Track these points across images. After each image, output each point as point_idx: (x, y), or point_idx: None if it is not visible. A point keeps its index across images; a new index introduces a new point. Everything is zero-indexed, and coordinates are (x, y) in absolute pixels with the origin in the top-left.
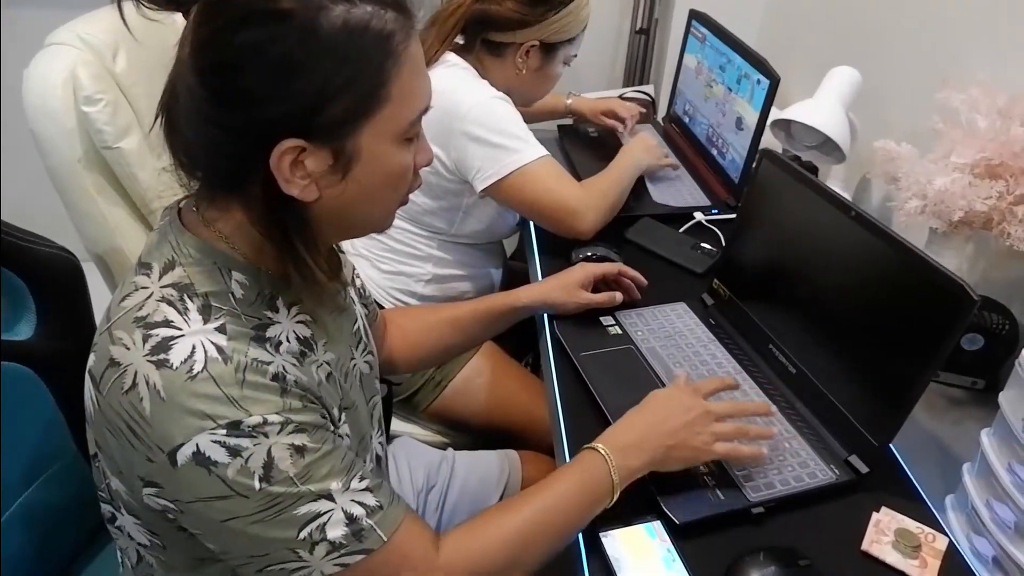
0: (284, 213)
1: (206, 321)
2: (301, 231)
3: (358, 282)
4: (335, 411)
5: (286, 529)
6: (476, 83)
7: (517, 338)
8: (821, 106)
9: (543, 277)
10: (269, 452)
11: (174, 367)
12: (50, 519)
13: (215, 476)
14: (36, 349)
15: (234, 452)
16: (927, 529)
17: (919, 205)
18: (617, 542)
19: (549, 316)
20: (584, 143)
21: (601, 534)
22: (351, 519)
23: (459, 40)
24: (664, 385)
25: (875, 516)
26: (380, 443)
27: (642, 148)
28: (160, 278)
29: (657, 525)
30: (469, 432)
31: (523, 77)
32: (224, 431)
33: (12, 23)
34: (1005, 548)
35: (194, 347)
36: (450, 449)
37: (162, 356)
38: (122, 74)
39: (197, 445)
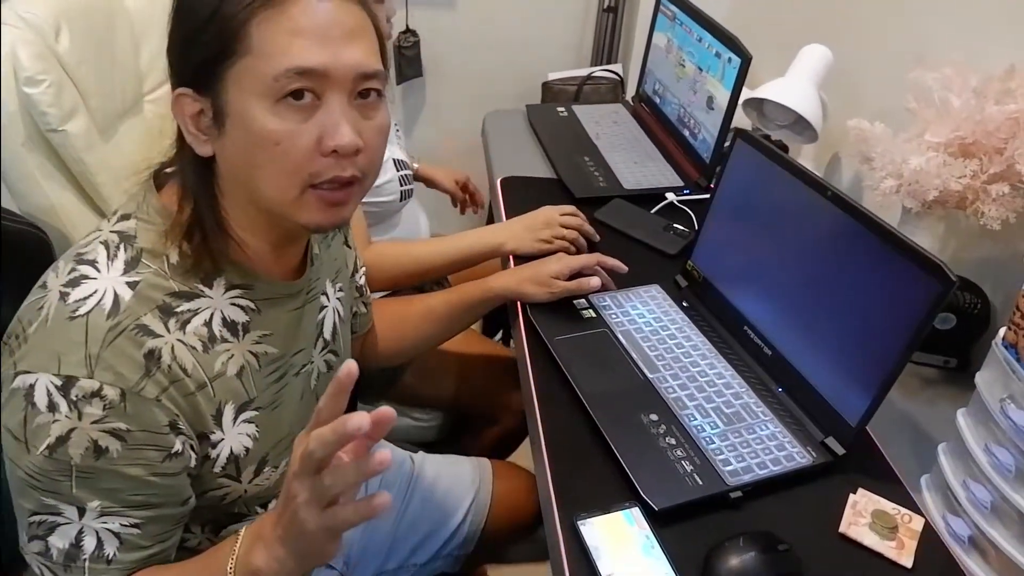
0: (195, 168)
1: (125, 273)
2: (203, 188)
3: (360, 280)
4: (228, 409)
5: (30, 502)
6: None
7: (488, 313)
8: (793, 85)
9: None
10: (70, 432)
11: (67, 302)
12: (8, 501)
13: (23, 415)
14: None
15: (51, 408)
16: (903, 510)
17: (894, 185)
18: (595, 529)
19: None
20: (553, 123)
21: (579, 522)
22: (75, 544)
23: None
24: (640, 370)
25: (852, 498)
26: None
27: (522, 226)
28: (113, 224)
29: (635, 512)
30: (438, 409)
31: None
32: (60, 382)
33: None
34: (981, 528)
35: (95, 291)
36: (421, 452)
37: (68, 289)
38: (66, 54)
39: (37, 380)
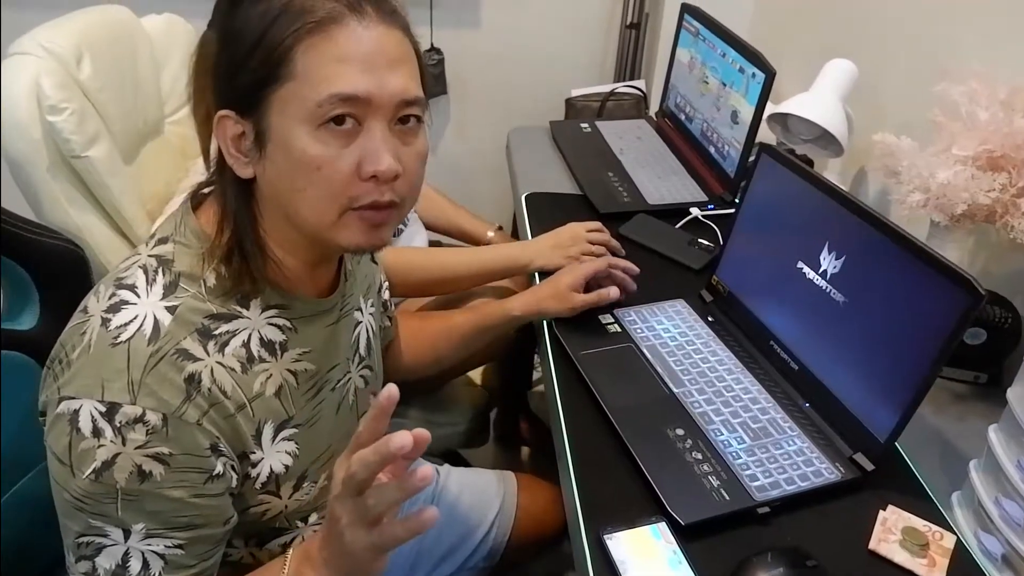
0: (235, 190)
1: (164, 298)
2: (244, 210)
3: (385, 295)
4: (268, 428)
5: (77, 524)
6: None
7: None
8: (818, 99)
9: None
10: (115, 457)
11: (109, 328)
12: (46, 508)
13: (68, 440)
14: (39, 339)
15: (96, 433)
16: (934, 527)
17: (922, 199)
18: (622, 544)
19: None
20: (577, 139)
21: (605, 536)
22: (122, 565)
23: None
24: (666, 384)
25: (882, 514)
26: None
27: (550, 243)
28: (151, 247)
29: (662, 526)
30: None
31: None
32: (104, 408)
33: None
34: (1015, 545)
35: (136, 317)
36: (446, 465)
37: (109, 315)
38: (87, 81)
39: (81, 406)
